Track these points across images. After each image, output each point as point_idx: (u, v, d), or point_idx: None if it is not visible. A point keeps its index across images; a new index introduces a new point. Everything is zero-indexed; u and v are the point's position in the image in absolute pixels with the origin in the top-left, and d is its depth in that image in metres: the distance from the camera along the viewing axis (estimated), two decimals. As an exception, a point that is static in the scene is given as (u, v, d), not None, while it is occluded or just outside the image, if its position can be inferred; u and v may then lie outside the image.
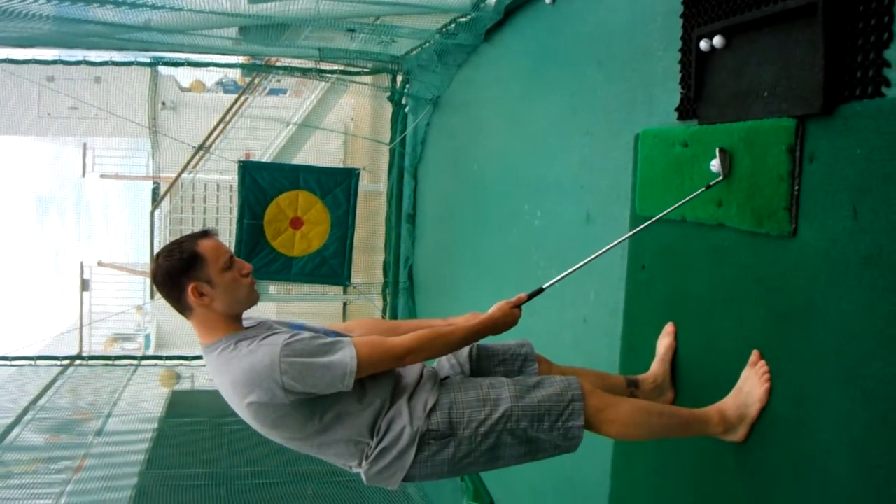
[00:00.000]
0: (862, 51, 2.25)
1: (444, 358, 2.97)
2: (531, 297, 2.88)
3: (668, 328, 3.25)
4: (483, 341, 2.90)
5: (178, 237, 2.71)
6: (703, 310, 3.00)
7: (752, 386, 2.70)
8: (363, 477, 2.71)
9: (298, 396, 2.49)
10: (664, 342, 3.24)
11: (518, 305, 2.84)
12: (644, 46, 3.74)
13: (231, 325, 2.66)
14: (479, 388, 2.73)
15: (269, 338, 2.54)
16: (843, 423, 2.27)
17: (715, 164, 2.81)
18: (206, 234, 2.66)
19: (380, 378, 2.68)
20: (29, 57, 9.38)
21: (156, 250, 12.06)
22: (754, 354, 2.71)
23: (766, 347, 2.66)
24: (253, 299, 2.71)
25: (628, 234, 3.11)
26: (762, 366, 2.68)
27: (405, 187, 9.55)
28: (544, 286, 2.91)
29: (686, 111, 3.19)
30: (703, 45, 2.90)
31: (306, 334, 2.57)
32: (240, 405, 2.54)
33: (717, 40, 2.84)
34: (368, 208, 11.13)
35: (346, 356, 2.51)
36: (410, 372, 2.81)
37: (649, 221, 2.98)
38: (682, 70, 3.23)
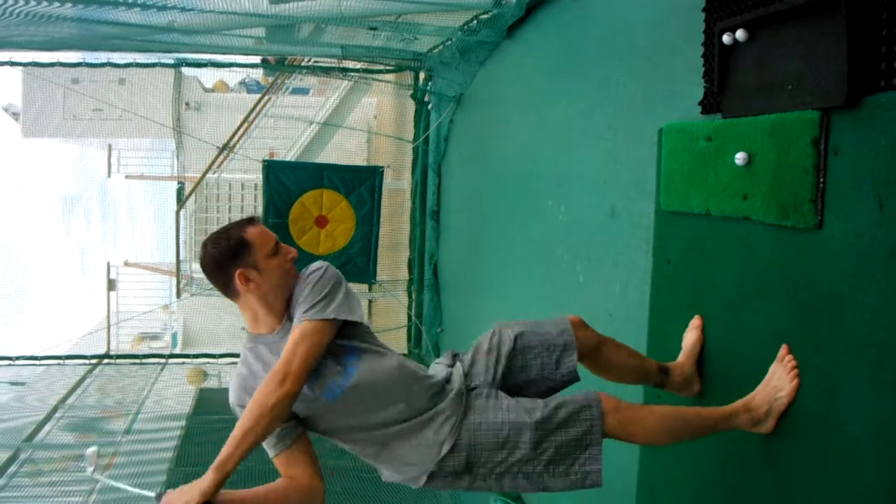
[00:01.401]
0: (886, 42, 2.25)
1: (481, 356, 2.92)
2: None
3: (695, 322, 3.25)
4: (524, 335, 2.92)
5: (223, 226, 2.78)
6: (730, 303, 3.00)
7: (780, 380, 2.70)
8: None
9: None
10: (691, 336, 3.24)
11: None
12: (667, 41, 3.74)
13: (275, 315, 2.74)
14: (501, 428, 2.72)
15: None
16: (870, 414, 2.28)
17: (740, 157, 2.81)
18: (251, 220, 2.75)
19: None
20: (54, 60, 9.46)
21: (181, 250, 12.17)
22: (783, 349, 2.71)
23: (793, 340, 2.66)
24: (292, 282, 2.76)
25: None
26: (790, 360, 2.68)
27: (429, 184, 9.56)
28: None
29: (710, 105, 3.19)
30: (726, 38, 2.89)
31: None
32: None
33: (740, 34, 2.84)
34: (392, 206, 11.16)
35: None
36: (438, 376, 2.85)
37: None
38: (705, 64, 3.23)
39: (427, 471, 2.69)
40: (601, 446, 2.69)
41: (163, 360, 10.75)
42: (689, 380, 3.20)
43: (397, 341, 10.25)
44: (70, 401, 9.25)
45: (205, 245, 2.73)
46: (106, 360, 10.53)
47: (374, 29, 7.49)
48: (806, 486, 2.56)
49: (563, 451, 2.68)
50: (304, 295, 2.64)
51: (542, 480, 2.69)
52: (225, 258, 2.66)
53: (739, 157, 2.80)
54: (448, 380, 2.83)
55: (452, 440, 2.70)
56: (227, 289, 2.71)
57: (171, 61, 10.03)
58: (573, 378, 2.94)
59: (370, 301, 12.77)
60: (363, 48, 8.40)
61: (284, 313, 2.73)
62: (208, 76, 15.76)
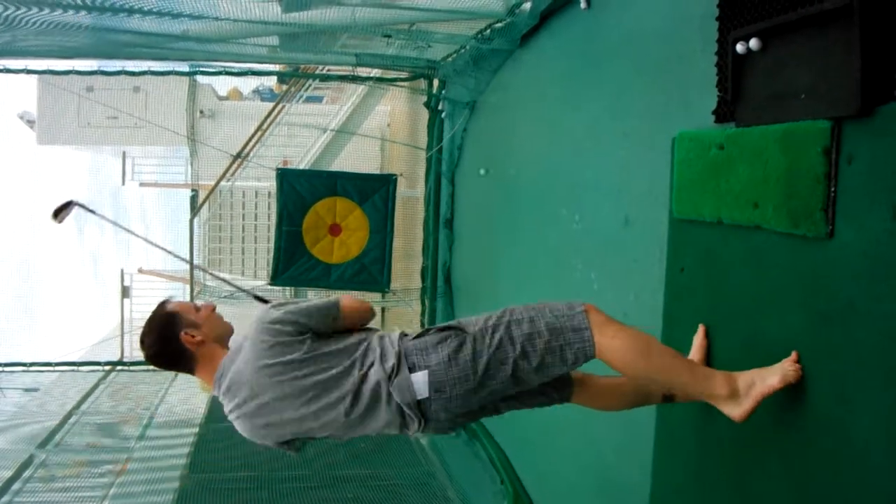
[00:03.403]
0: (900, 52, 2.25)
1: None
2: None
3: (700, 330, 3.28)
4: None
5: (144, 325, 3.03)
6: (744, 312, 3.00)
7: (777, 369, 2.70)
8: (395, 391, 2.80)
9: (300, 325, 2.81)
10: (696, 343, 3.27)
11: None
12: (680, 50, 3.75)
13: (224, 348, 2.99)
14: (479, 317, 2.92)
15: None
16: (884, 422, 2.27)
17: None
18: (164, 302, 3.05)
19: None
20: (69, 68, 9.51)
21: (195, 258, 12.19)
22: (793, 354, 2.71)
23: (807, 348, 2.66)
24: (228, 327, 3.08)
25: None
26: (794, 360, 2.69)
27: (442, 192, 9.57)
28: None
29: (723, 114, 3.20)
30: (740, 47, 2.90)
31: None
32: (265, 374, 2.80)
33: (754, 43, 2.84)
34: (406, 214, 11.16)
35: (331, 301, 2.93)
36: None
37: None
38: (718, 73, 3.23)
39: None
40: (584, 313, 2.80)
41: (176, 368, 10.74)
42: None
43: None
44: (84, 407, 9.28)
45: (142, 342, 2.99)
46: (120, 367, 10.55)
47: (388, 37, 7.52)
48: (822, 494, 2.55)
49: (547, 307, 2.85)
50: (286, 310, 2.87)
51: (533, 323, 2.79)
52: (166, 336, 2.93)
53: None
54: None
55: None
56: (184, 358, 2.96)
57: (186, 69, 10.07)
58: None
59: (383, 309, 12.76)
60: (377, 56, 8.42)
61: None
62: (222, 84, 15.80)
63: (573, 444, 4.96)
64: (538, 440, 5.60)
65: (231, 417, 2.92)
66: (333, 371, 2.80)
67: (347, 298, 2.98)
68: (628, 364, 2.81)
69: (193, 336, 2.91)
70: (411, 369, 2.77)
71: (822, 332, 2.58)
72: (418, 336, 2.87)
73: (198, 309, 3.01)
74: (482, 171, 7.72)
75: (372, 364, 2.81)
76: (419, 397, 2.77)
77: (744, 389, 2.73)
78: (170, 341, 2.92)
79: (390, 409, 2.81)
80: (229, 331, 3.05)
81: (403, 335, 2.91)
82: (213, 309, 3.05)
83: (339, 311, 2.91)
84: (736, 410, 2.75)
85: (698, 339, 3.26)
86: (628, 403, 3.37)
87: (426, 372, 2.76)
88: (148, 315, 3.03)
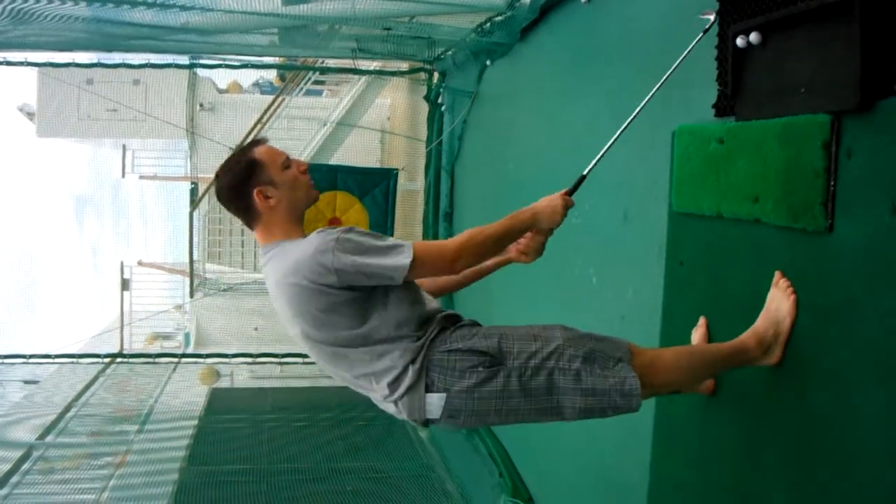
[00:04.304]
0: (900, 46, 2.25)
1: None
2: (575, 188, 2.92)
3: (701, 321, 3.28)
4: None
5: (230, 155, 2.80)
6: (743, 305, 3.00)
7: (779, 302, 2.74)
8: (403, 403, 2.60)
9: (348, 281, 2.50)
10: (696, 335, 3.27)
11: (563, 195, 2.86)
12: (680, 44, 3.73)
13: (294, 228, 2.75)
14: (531, 327, 2.69)
15: (328, 229, 2.57)
16: (882, 418, 2.28)
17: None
18: (258, 141, 2.78)
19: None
20: (69, 60, 9.51)
21: (195, 250, 12.20)
22: (777, 274, 2.76)
23: (806, 344, 2.66)
24: (313, 196, 2.83)
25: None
26: (785, 282, 2.73)
27: (442, 186, 9.57)
28: (585, 172, 2.94)
29: (723, 108, 3.20)
30: (740, 41, 2.90)
31: (365, 235, 2.59)
32: (287, 288, 2.58)
33: (754, 37, 2.84)
34: (405, 207, 11.16)
35: (401, 256, 2.52)
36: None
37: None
38: (718, 67, 3.23)
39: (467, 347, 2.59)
40: (631, 363, 2.61)
41: (175, 360, 10.77)
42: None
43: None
44: (83, 399, 9.29)
45: (217, 176, 2.76)
46: (119, 359, 10.56)
47: (389, 30, 7.51)
48: (818, 489, 2.56)
49: (597, 355, 2.60)
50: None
51: (579, 378, 2.55)
52: (240, 181, 2.69)
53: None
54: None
55: (483, 328, 2.71)
56: (249, 213, 2.73)
57: (186, 62, 10.07)
58: None
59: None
60: (377, 43, 8.41)
61: (299, 235, 2.74)
62: (222, 77, 15.79)
63: (572, 440, 4.96)
64: (537, 435, 5.59)
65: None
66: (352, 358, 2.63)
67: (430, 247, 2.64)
68: (670, 388, 2.89)
69: (267, 197, 2.68)
70: (428, 388, 2.56)
71: (821, 328, 2.58)
72: (451, 351, 2.59)
73: (287, 165, 2.73)
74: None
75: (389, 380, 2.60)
76: (429, 417, 2.59)
77: (771, 338, 2.76)
78: (240, 192, 2.69)
79: (388, 405, 2.68)
80: (309, 200, 2.81)
81: (441, 333, 2.65)
82: (305, 171, 2.78)
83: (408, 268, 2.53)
84: (771, 359, 2.79)
85: (700, 331, 3.26)
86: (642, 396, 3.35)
87: (444, 395, 2.55)
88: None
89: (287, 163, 2.74)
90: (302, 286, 2.52)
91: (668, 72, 3.03)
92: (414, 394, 2.56)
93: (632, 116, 2.97)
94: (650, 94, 2.98)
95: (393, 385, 2.59)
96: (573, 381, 2.56)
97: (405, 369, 2.57)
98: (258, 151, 2.72)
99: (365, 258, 2.49)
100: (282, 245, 2.68)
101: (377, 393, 2.67)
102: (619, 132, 2.96)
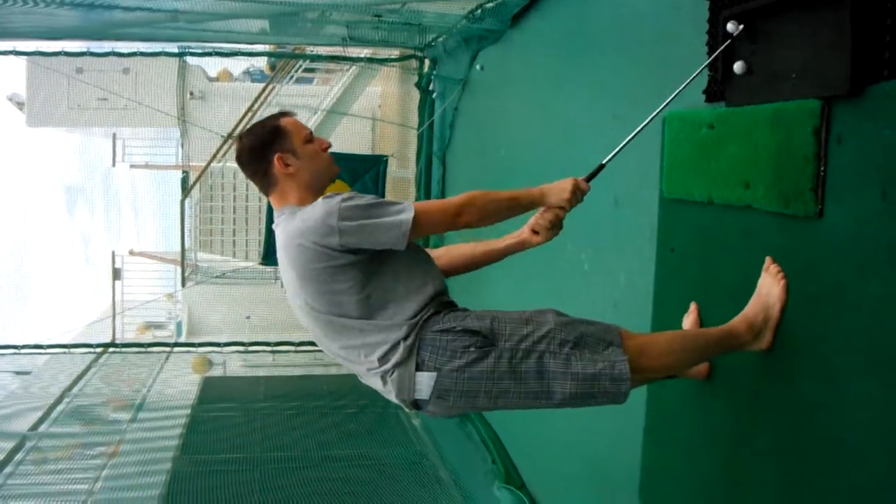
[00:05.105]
0: (890, 31, 2.24)
1: None
2: (592, 175, 2.93)
3: (692, 307, 3.29)
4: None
5: (257, 121, 2.84)
6: (734, 292, 3.01)
7: (769, 287, 2.77)
8: (392, 379, 2.59)
9: (351, 245, 2.52)
10: (688, 321, 3.27)
11: (577, 181, 2.87)
12: (671, 30, 3.74)
13: (309, 196, 2.76)
14: (523, 311, 2.72)
15: (333, 194, 2.61)
16: (872, 405, 2.28)
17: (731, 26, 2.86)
18: (284, 113, 2.85)
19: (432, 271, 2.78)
20: (58, 49, 9.47)
21: (187, 239, 12.17)
22: (767, 260, 2.78)
23: (796, 329, 2.67)
24: (333, 172, 2.88)
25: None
26: (776, 268, 2.75)
27: (433, 173, 9.56)
28: (604, 161, 2.95)
29: (714, 94, 3.19)
30: (731, 27, 2.89)
31: (368, 196, 2.63)
32: (292, 249, 2.61)
33: (745, 23, 2.84)
34: (397, 194, 11.15)
35: (403, 213, 2.55)
36: None
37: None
38: (709, 53, 3.22)
39: (461, 326, 2.59)
40: (622, 346, 2.63)
41: (168, 349, 10.77)
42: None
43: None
44: (75, 389, 9.29)
45: (240, 137, 2.84)
46: (111, 349, 10.55)
47: (379, 17, 7.49)
48: (810, 475, 2.57)
49: (587, 339, 2.62)
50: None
51: (569, 362, 2.56)
52: (263, 144, 2.74)
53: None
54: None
55: (476, 311, 2.71)
56: (266, 177, 2.77)
57: (175, 50, 10.03)
58: None
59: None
60: (368, 34, 8.39)
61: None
62: (212, 65, 15.75)
63: (565, 426, 4.97)
64: (530, 421, 5.60)
65: None
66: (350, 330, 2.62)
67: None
68: (662, 372, 2.89)
69: (287, 165, 2.73)
70: (419, 366, 2.56)
71: (811, 313, 2.59)
72: (444, 331, 2.59)
73: (310, 140, 2.79)
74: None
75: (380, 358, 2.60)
76: (417, 397, 2.58)
77: (762, 322, 2.78)
78: (261, 156, 2.75)
79: (374, 379, 2.68)
80: (329, 175, 2.86)
81: (435, 314, 2.64)
82: (326, 148, 2.84)
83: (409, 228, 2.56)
84: (762, 344, 2.81)
85: (691, 317, 3.27)
86: (633, 383, 3.35)
87: (434, 374, 2.54)
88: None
89: (310, 137, 2.81)
90: (306, 247, 2.54)
91: (696, 72, 3.03)
92: (404, 370, 2.57)
93: (656, 112, 2.96)
94: (672, 95, 2.96)
95: (383, 359, 2.59)
96: (563, 364, 2.57)
97: (396, 344, 2.57)
98: (284, 121, 2.79)
99: (368, 217, 2.53)
100: (292, 209, 2.70)
101: (363, 366, 2.67)
102: (641, 127, 2.96)
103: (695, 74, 2.93)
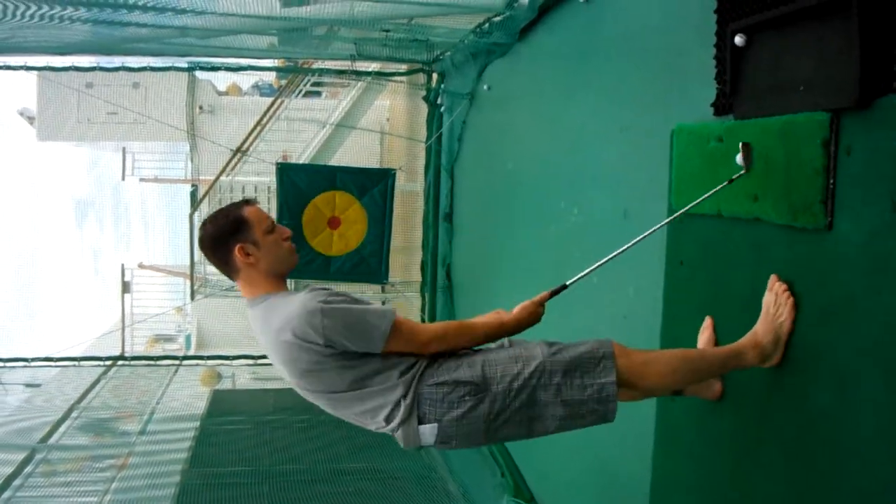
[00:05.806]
0: (898, 43, 2.25)
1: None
2: (554, 294, 2.97)
3: (707, 322, 3.27)
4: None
5: (221, 208, 2.92)
6: (743, 305, 3.01)
7: (777, 306, 2.77)
8: (399, 434, 2.74)
9: (333, 343, 2.59)
10: (704, 337, 3.26)
11: (542, 303, 2.92)
12: (679, 43, 3.75)
13: (276, 283, 2.85)
14: (511, 348, 2.83)
15: (315, 290, 2.67)
16: (883, 415, 2.28)
17: (739, 158, 2.85)
18: (248, 202, 2.89)
19: None
20: (68, 64, 9.51)
21: (195, 252, 12.19)
22: (772, 279, 2.79)
23: (806, 342, 2.67)
24: (293, 261, 2.92)
25: (653, 229, 3.08)
26: (781, 286, 2.76)
27: (442, 186, 9.57)
28: (567, 283, 2.99)
29: (722, 106, 3.20)
30: (738, 40, 2.90)
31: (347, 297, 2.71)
32: (278, 345, 2.67)
33: (753, 35, 2.85)
34: (406, 208, 11.17)
35: (382, 321, 2.64)
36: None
37: (673, 216, 3.04)
38: (717, 65, 3.23)
39: (453, 379, 2.69)
40: (613, 361, 2.71)
41: (177, 362, 10.79)
42: (708, 381, 3.21)
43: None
44: (85, 402, 9.30)
45: (204, 224, 2.87)
46: (121, 362, 10.57)
47: (387, 31, 7.51)
48: (820, 485, 2.56)
49: (577, 361, 2.72)
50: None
51: (560, 392, 2.68)
52: (224, 234, 2.79)
53: (739, 158, 2.85)
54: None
55: (467, 357, 2.79)
56: (227, 265, 2.83)
57: (185, 65, 10.08)
58: None
59: (383, 302, 12.77)
60: (376, 46, 8.41)
61: (282, 290, 2.85)
62: (222, 80, 15.82)
63: (573, 439, 4.95)
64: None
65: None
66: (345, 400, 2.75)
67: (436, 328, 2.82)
68: (664, 391, 3.02)
69: (248, 254, 2.77)
70: (421, 420, 2.69)
71: (821, 326, 2.59)
72: (439, 384, 2.69)
73: (271, 230, 2.83)
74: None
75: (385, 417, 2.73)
76: (423, 444, 2.74)
77: (770, 344, 2.79)
78: (223, 245, 2.79)
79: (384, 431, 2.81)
80: (289, 265, 2.90)
81: (428, 368, 2.74)
82: (287, 238, 2.88)
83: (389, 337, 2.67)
84: (771, 362, 2.82)
85: (706, 333, 3.26)
86: (635, 398, 3.36)
87: (436, 426, 2.68)
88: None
89: (271, 227, 2.85)
90: (291, 343, 2.63)
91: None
92: (408, 426, 2.70)
93: (631, 243, 3.04)
94: (644, 235, 3.05)
95: (388, 419, 2.73)
96: (553, 394, 2.70)
97: (397, 404, 2.70)
98: (247, 211, 2.83)
99: (348, 323, 2.61)
100: (269, 300, 2.79)
101: (373, 426, 2.80)
102: (612, 255, 3.05)
103: (662, 224, 3.10)
